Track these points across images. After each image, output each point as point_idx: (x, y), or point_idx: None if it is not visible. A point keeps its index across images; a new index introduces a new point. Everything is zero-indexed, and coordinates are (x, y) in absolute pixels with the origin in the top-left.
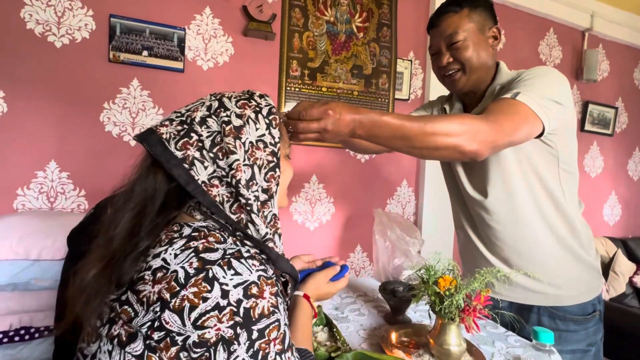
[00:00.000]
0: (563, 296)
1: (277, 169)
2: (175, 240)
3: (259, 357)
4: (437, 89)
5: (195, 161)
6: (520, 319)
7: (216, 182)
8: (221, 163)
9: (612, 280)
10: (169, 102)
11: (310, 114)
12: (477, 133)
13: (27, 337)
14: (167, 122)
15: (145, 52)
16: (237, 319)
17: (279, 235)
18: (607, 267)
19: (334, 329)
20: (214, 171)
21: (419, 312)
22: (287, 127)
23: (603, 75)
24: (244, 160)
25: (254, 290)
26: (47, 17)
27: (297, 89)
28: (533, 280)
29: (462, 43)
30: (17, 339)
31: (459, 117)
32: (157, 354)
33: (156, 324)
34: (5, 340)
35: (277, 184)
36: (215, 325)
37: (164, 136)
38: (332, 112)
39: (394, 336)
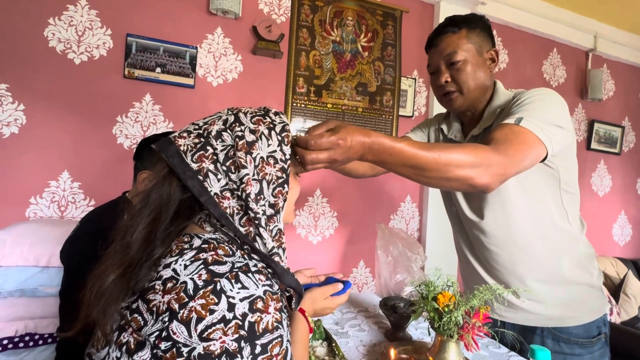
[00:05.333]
0: (565, 317)
1: (285, 185)
2: (185, 251)
3: None
4: (440, 107)
5: (210, 173)
6: (523, 340)
7: (228, 194)
8: (233, 176)
9: (623, 303)
10: (179, 117)
11: (319, 145)
12: (489, 167)
13: (31, 343)
14: (184, 134)
15: (158, 69)
16: (242, 332)
17: (284, 250)
18: (617, 289)
19: (333, 344)
20: (227, 184)
21: (420, 329)
22: (295, 156)
23: (608, 95)
24: (254, 175)
25: (260, 304)
26: (68, 36)
27: (303, 105)
28: (534, 303)
29: (461, 64)
30: (21, 345)
31: (472, 148)
32: None
33: (164, 333)
34: (10, 346)
35: (285, 200)
36: (220, 337)
37: (182, 148)
38: (343, 142)
39: (393, 353)
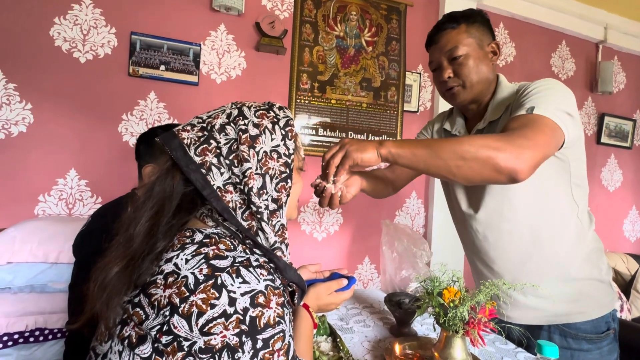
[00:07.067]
0: (573, 313)
1: (288, 180)
2: (187, 246)
3: None
4: (445, 102)
5: (213, 167)
6: (530, 336)
7: (230, 188)
8: (236, 170)
9: (634, 300)
10: (184, 114)
11: (330, 151)
12: (514, 148)
13: (41, 338)
14: (188, 127)
15: (162, 67)
16: (243, 327)
17: (286, 245)
18: (628, 286)
19: (338, 340)
20: (229, 177)
21: (425, 325)
22: (325, 171)
23: (619, 87)
24: (256, 169)
25: (261, 299)
26: (73, 35)
27: (306, 101)
28: (540, 299)
29: (463, 58)
30: (31, 339)
31: (490, 134)
32: (164, 358)
33: (165, 327)
34: (21, 340)
35: (288, 195)
36: (221, 332)
37: (185, 141)
38: (345, 139)
39: (397, 348)
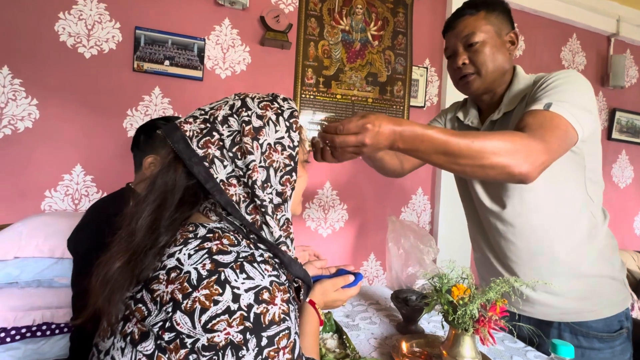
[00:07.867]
0: (584, 311)
1: (293, 173)
2: (190, 241)
3: None
4: (453, 96)
5: (215, 160)
6: (541, 333)
7: (234, 181)
8: (239, 163)
9: None
10: (188, 109)
11: (347, 129)
12: (528, 155)
13: (48, 332)
14: (190, 119)
15: (167, 62)
16: (247, 324)
17: (292, 240)
18: (639, 284)
19: (344, 336)
20: (233, 170)
21: (432, 323)
22: (325, 141)
23: (631, 82)
24: (260, 161)
25: (266, 295)
26: (78, 30)
27: (312, 97)
28: (552, 296)
29: (479, 45)
30: (39, 334)
31: (508, 135)
32: (167, 355)
33: (167, 324)
34: (28, 334)
35: (292, 189)
36: (225, 329)
37: (187, 134)
38: (371, 126)
39: (404, 346)
